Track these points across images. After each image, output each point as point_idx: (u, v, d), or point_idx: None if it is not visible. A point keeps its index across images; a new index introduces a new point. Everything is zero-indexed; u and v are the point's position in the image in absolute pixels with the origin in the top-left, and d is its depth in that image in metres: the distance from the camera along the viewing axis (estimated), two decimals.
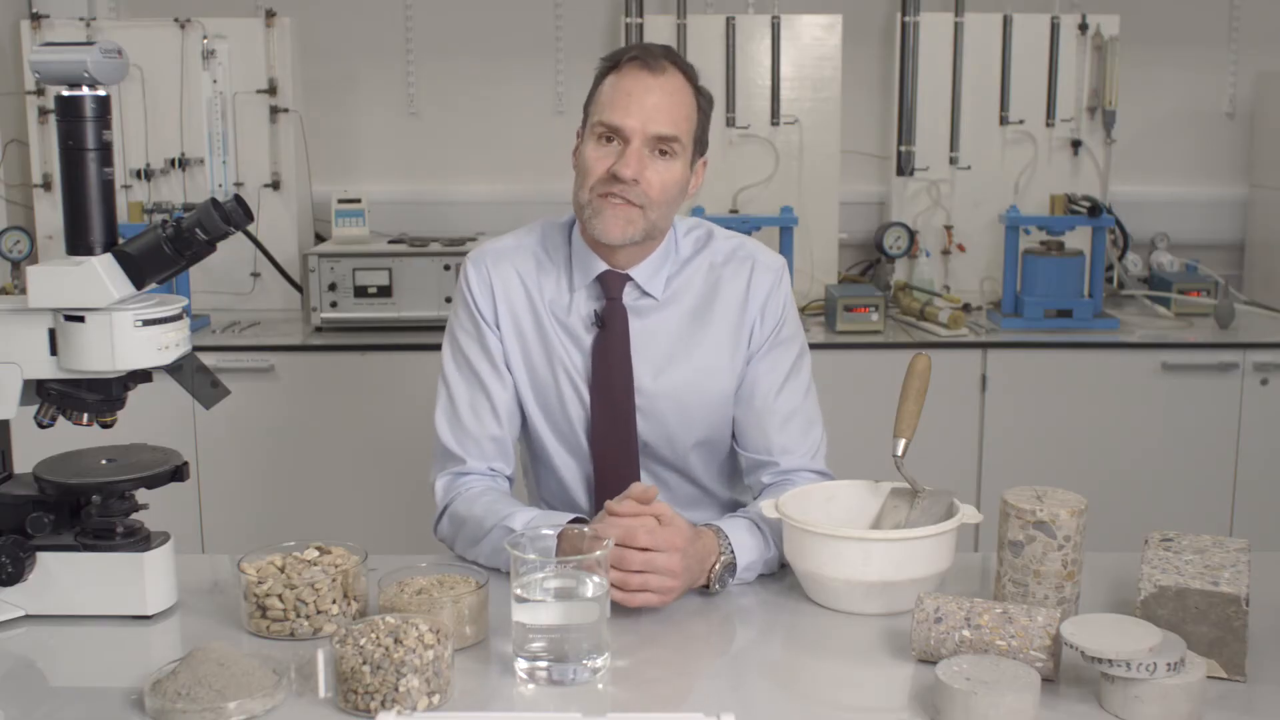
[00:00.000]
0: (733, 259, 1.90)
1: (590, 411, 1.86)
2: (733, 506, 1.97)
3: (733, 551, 1.67)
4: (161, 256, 1.52)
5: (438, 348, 1.93)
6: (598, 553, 1.43)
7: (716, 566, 1.65)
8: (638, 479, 1.88)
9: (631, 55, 1.79)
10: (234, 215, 1.54)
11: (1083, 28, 3.66)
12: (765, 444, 1.88)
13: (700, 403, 1.88)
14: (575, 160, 1.82)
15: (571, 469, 1.91)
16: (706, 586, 1.65)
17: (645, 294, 1.87)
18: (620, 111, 1.75)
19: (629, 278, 1.86)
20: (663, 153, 1.77)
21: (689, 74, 1.82)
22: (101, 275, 1.49)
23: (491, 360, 1.87)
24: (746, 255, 1.90)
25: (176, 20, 3.50)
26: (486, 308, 1.88)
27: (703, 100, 1.84)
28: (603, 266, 1.85)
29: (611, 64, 1.80)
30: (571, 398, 1.87)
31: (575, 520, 1.64)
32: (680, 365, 1.87)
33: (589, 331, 1.86)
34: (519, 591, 1.42)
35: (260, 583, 1.51)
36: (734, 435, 1.92)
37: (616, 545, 1.53)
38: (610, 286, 1.85)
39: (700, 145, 1.85)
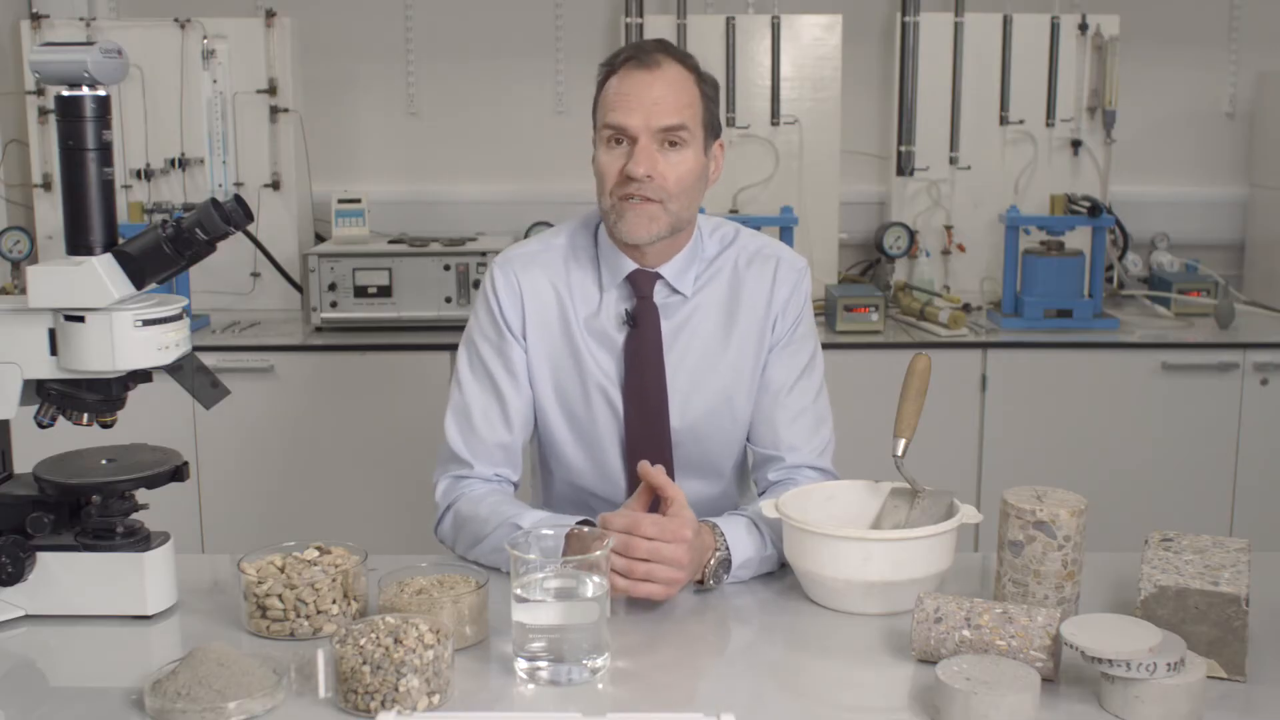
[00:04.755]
0: (758, 257, 1.90)
1: (623, 413, 1.86)
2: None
3: (728, 548, 1.67)
4: (161, 256, 1.52)
5: (438, 348, 1.93)
6: (598, 552, 1.43)
7: (711, 562, 1.65)
8: (672, 478, 1.87)
9: (626, 56, 1.80)
10: (234, 215, 1.54)
11: (1083, 28, 3.66)
12: (773, 439, 1.88)
13: (729, 406, 1.88)
14: (594, 168, 1.83)
15: (587, 474, 1.91)
16: (701, 582, 1.65)
17: (675, 291, 1.87)
18: (623, 111, 1.76)
19: (659, 275, 1.86)
20: (672, 143, 1.77)
21: (686, 63, 1.81)
22: (101, 275, 1.49)
23: (510, 368, 1.86)
24: (771, 254, 1.91)
25: (176, 20, 3.50)
26: (513, 315, 1.87)
27: (706, 86, 1.83)
28: (632, 265, 1.85)
29: (609, 67, 1.81)
30: (600, 402, 1.86)
31: (582, 523, 1.63)
32: (712, 371, 1.87)
33: (620, 332, 1.86)
34: (519, 591, 1.42)
35: (260, 583, 1.51)
36: None
37: (623, 533, 1.53)
38: (641, 285, 1.86)
39: (712, 130, 1.84)
